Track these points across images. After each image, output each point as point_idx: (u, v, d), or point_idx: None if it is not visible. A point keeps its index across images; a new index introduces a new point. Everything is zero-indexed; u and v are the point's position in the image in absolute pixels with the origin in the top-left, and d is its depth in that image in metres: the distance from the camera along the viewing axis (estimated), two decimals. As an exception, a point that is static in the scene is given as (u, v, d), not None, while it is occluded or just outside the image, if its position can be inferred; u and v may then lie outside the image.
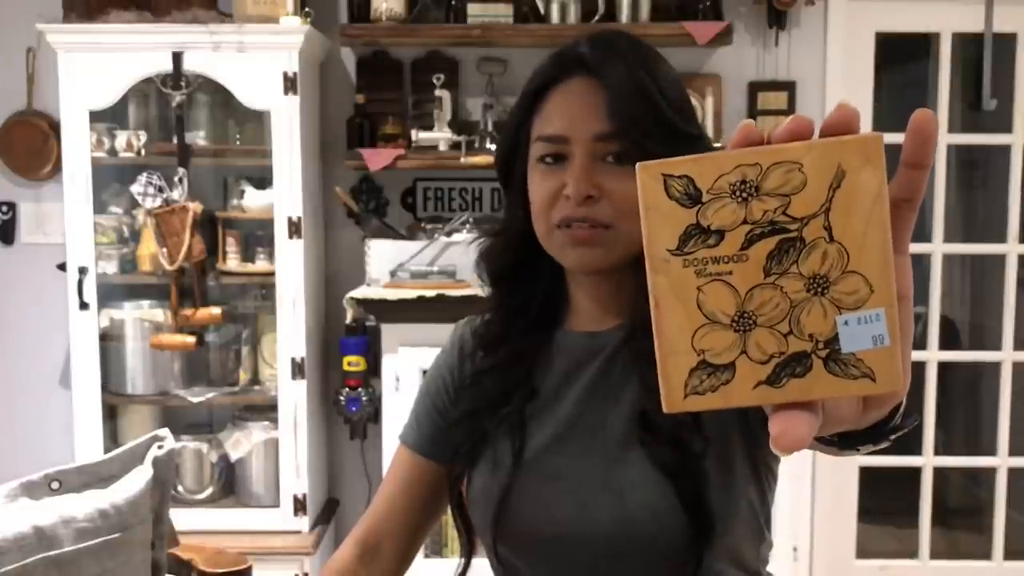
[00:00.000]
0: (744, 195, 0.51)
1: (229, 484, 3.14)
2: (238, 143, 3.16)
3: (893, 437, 0.66)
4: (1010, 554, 3.41)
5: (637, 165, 0.53)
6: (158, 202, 2.91)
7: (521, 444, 1.13)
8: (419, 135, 3.06)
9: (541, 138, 1.09)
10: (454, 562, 1.25)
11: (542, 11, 3.04)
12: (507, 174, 1.16)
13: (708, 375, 0.52)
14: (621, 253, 1.08)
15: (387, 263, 2.91)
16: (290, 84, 2.88)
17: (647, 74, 1.07)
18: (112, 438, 3.07)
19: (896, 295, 0.49)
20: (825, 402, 0.52)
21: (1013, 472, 3.41)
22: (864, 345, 0.50)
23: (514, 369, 1.17)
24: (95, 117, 2.95)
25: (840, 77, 3.23)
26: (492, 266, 1.19)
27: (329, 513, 3.27)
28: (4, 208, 3.34)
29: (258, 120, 3.05)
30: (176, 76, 2.91)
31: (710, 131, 3.05)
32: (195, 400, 3.06)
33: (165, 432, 1.44)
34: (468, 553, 1.23)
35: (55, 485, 1.32)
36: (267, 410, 3.09)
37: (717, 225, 0.51)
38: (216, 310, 2.99)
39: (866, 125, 3.28)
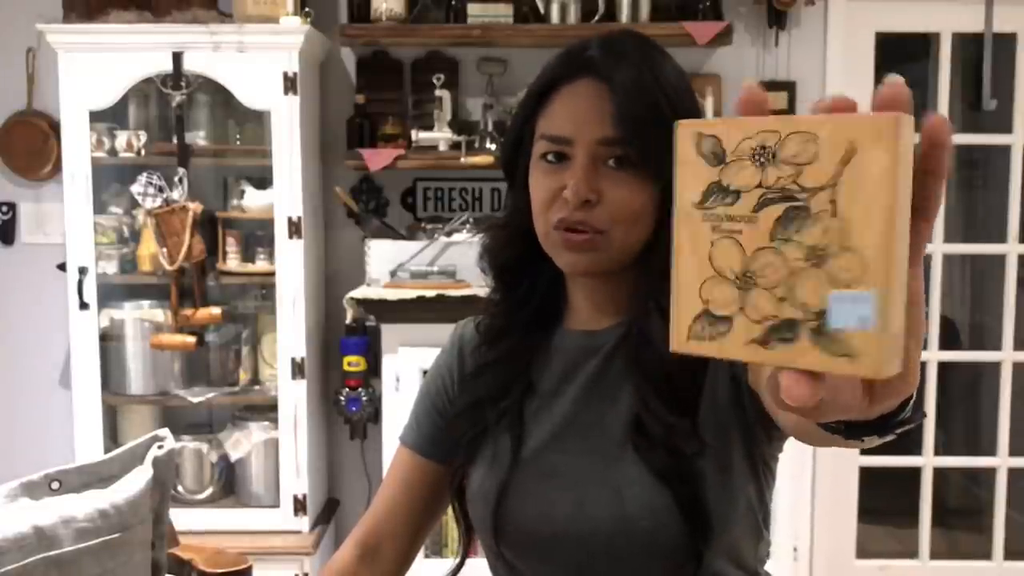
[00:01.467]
0: (762, 160, 0.52)
1: (229, 484, 3.14)
2: (238, 143, 3.16)
3: (899, 431, 0.65)
4: (1010, 554, 3.41)
5: (676, 123, 0.56)
6: (158, 202, 2.91)
7: (519, 441, 1.13)
8: (419, 135, 3.06)
9: (545, 137, 1.09)
10: (454, 562, 1.25)
11: (542, 11, 3.04)
12: (511, 169, 1.17)
13: (709, 324, 0.54)
14: (614, 258, 1.09)
15: (387, 263, 2.91)
16: (290, 84, 2.89)
17: (654, 79, 1.07)
18: (112, 438, 3.08)
19: (896, 279, 0.49)
20: (826, 387, 0.52)
21: (1013, 472, 3.41)
22: (849, 324, 0.50)
23: (514, 363, 1.17)
24: (95, 117, 2.96)
25: (840, 77, 3.24)
26: (495, 260, 1.19)
27: (329, 513, 3.27)
28: (4, 208, 3.35)
29: (258, 120, 3.05)
30: (176, 76, 2.91)
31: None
32: (195, 400, 3.06)
33: (165, 432, 1.44)
34: (465, 547, 1.23)
35: (55, 485, 1.32)
36: (267, 410, 3.09)
37: (736, 185, 0.53)
38: (216, 310, 2.99)
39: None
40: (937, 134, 0.51)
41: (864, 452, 3.35)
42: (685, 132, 0.55)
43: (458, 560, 1.24)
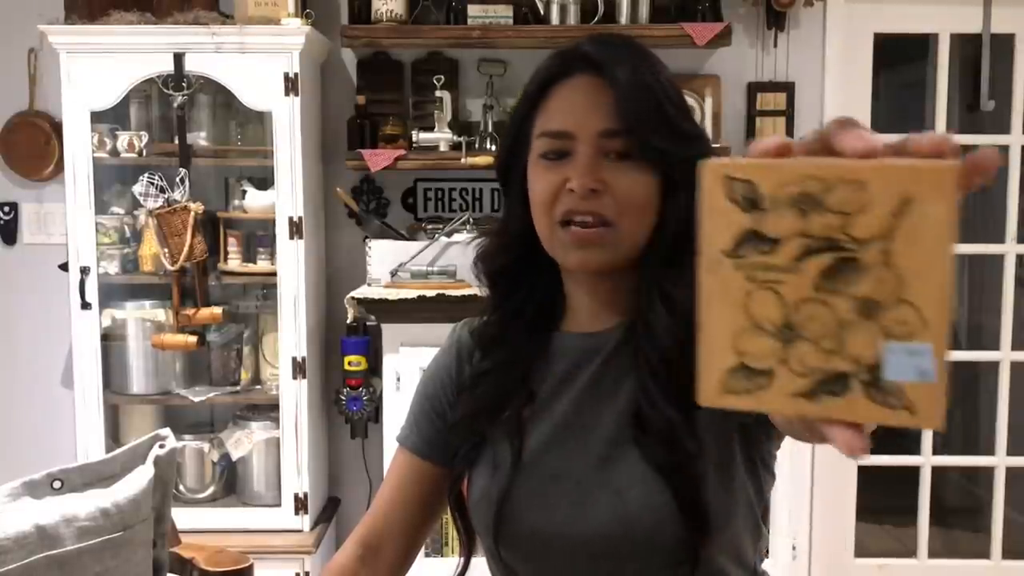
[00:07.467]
0: (805, 207, 0.50)
1: (230, 483, 3.15)
2: (239, 144, 3.17)
3: None
4: (1008, 553, 3.42)
5: (701, 163, 0.52)
6: (160, 202, 2.92)
7: (520, 446, 1.13)
8: (419, 136, 3.07)
9: (545, 133, 1.09)
10: (454, 561, 1.25)
11: (542, 12, 3.05)
12: (507, 173, 1.16)
13: (745, 377, 0.52)
14: (623, 253, 1.09)
15: (388, 263, 2.93)
16: (291, 85, 2.90)
17: (649, 71, 1.08)
18: (114, 437, 3.09)
19: (948, 331, 0.48)
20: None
21: (1011, 471, 3.42)
22: (908, 376, 0.49)
23: (511, 372, 1.17)
24: (97, 118, 2.96)
25: (838, 78, 3.24)
26: (489, 267, 1.19)
27: (330, 512, 3.28)
28: (6, 209, 3.36)
29: (259, 121, 3.07)
30: (178, 77, 2.92)
31: (709, 132, 3.05)
32: (196, 399, 3.07)
33: (167, 431, 1.45)
34: (467, 554, 1.23)
35: (57, 484, 1.33)
36: (268, 409, 3.10)
37: (773, 233, 0.51)
38: (217, 310, 3.01)
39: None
40: (987, 167, 0.49)
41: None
42: (713, 176, 0.52)
43: (460, 569, 1.23)
